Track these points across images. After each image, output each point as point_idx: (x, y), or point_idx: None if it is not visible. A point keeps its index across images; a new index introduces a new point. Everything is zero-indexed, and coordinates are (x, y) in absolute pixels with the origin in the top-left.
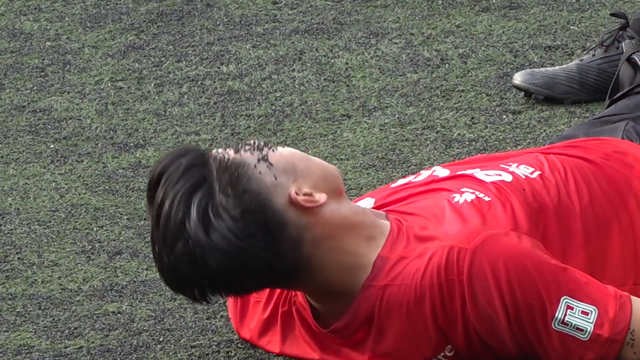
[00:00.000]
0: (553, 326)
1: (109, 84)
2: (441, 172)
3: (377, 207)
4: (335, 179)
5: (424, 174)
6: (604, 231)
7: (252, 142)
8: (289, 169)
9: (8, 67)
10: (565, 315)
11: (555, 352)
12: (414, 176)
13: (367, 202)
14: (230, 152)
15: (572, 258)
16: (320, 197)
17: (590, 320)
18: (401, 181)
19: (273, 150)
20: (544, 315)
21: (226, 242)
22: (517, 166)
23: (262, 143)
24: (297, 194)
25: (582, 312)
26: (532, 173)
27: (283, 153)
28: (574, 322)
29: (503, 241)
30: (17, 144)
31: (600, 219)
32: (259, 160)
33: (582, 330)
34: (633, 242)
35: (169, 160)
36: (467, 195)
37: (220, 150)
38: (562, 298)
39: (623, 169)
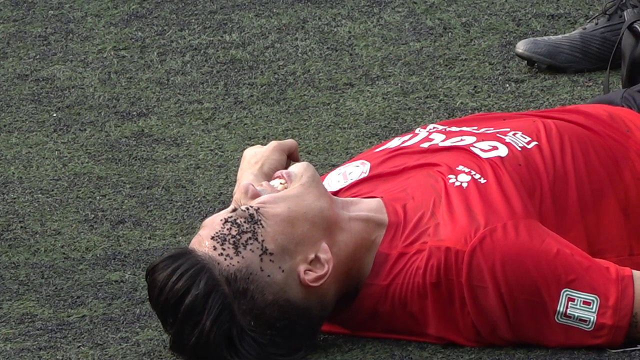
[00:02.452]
0: (556, 319)
1: (112, 53)
2: (438, 137)
3: (372, 176)
4: (323, 213)
5: (420, 135)
6: (600, 202)
7: (238, 219)
8: (286, 245)
9: (11, 35)
10: (567, 308)
11: (560, 344)
12: (409, 136)
13: (364, 168)
14: (231, 252)
15: (569, 231)
16: (326, 259)
17: (593, 310)
18: (396, 141)
19: (262, 225)
20: (545, 310)
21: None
22: (514, 134)
23: (247, 214)
24: (306, 272)
25: (584, 303)
26: (528, 143)
27: (272, 226)
28: (576, 314)
29: (499, 240)
30: (20, 113)
31: (595, 190)
32: (261, 258)
33: (585, 321)
34: (628, 213)
35: (182, 291)
36: (462, 177)
37: (217, 246)
38: (563, 291)
39: (621, 137)
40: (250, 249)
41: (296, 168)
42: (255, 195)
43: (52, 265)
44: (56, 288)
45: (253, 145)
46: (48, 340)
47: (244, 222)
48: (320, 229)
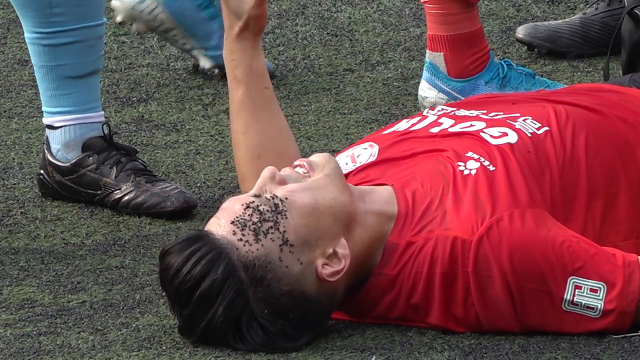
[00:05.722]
0: (563, 307)
1: (112, 39)
2: (447, 121)
3: (380, 160)
4: (346, 208)
5: (429, 118)
6: (611, 187)
7: (261, 206)
8: (307, 237)
9: (11, 21)
10: (574, 296)
11: (567, 331)
12: (418, 119)
13: (372, 150)
14: (250, 238)
15: (577, 217)
16: (344, 255)
17: (600, 297)
18: (404, 124)
19: (286, 216)
20: (552, 299)
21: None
22: (524, 120)
23: (272, 203)
24: (324, 266)
25: (591, 290)
26: (539, 129)
27: (295, 218)
28: (583, 302)
29: (506, 229)
30: (20, 98)
31: (607, 175)
32: (281, 248)
33: (592, 308)
34: (639, 196)
35: (200, 275)
36: (471, 164)
37: (237, 231)
38: (569, 279)
39: (632, 118)
40: (271, 238)
41: (317, 158)
42: (283, 181)
43: (52, 250)
44: (56, 274)
45: None
46: (48, 326)
47: (267, 210)
48: (341, 224)
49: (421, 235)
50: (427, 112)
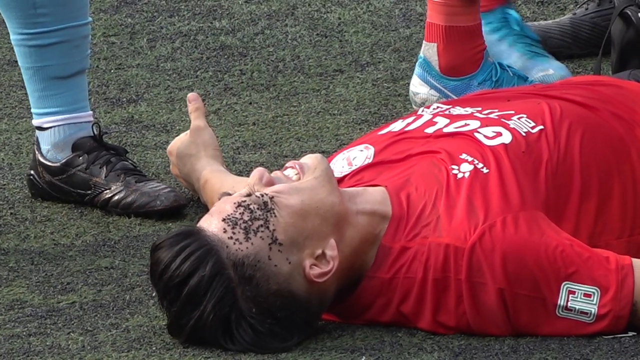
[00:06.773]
0: (557, 313)
1: (102, 39)
2: (442, 120)
3: (375, 163)
4: (334, 209)
5: (424, 117)
6: (605, 185)
7: (252, 205)
8: (296, 237)
9: (1, 22)
10: (567, 301)
11: (561, 335)
12: (413, 118)
13: (368, 152)
14: (241, 236)
15: (570, 216)
16: (332, 256)
17: (594, 302)
18: (399, 124)
19: (275, 214)
20: (545, 305)
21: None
22: (519, 118)
23: (262, 201)
24: (311, 266)
25: (585, 295)
26: (533, 128)
27: (284, 217)
28: (577, 307)
29: (498, 235)
30: (10, 99)
31: (601, 174)
32: (270, 247)
33: (586, 313)
34: (633, 194)
35: (188, 271)
36: (465, 167)
37: (227, 229)
38: (563, 284)
39: (627, 114)
40: (261, 237)
41: (309, 159)
42: (270, 183)
43: (42, 251)
44: (46, 274)
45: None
46: (38, 327)
47: (257, 208)
48: (330, 225)
49: (415, 240)
50: (423, 111)
